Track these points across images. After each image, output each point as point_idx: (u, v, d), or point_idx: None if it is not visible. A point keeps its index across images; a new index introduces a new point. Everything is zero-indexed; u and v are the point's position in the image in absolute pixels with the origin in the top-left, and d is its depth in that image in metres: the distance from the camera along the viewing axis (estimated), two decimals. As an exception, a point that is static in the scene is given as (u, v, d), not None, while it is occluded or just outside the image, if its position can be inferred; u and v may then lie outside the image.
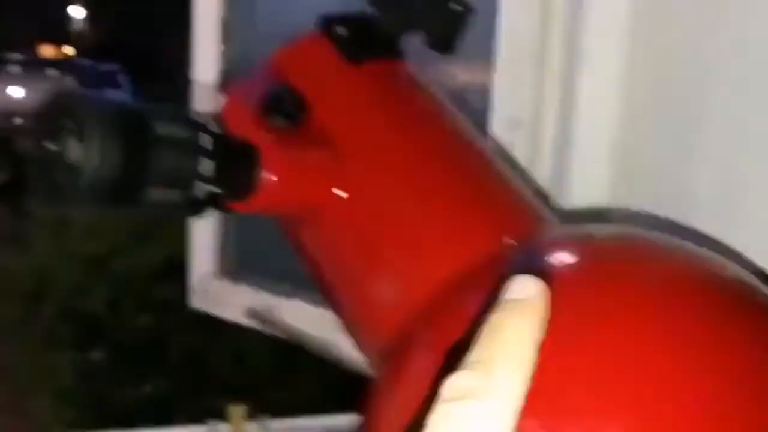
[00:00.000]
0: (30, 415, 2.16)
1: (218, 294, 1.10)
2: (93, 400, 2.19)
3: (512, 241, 0.40)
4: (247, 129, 0.40)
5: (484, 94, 0.84)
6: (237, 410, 0.74)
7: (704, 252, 0.39)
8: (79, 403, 2.22)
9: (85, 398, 2.23)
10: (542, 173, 0.80)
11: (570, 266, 0.38)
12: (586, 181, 0.75)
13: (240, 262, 1.11)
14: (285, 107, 0.40)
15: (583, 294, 0.35)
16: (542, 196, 0.72)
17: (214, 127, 0.36)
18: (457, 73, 0.89)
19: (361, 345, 0.43)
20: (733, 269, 0.38)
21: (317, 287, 0.45)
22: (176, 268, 1.21)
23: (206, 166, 0.35)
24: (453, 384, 0.21)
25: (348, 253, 0.42)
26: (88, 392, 2.25)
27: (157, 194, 0.33)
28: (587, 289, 0.35)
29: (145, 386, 2.15)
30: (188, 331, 2.16)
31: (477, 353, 0.22)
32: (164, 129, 0.33)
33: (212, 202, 0.36)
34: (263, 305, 1.03)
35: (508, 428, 0.21)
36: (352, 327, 0.44)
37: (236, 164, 0.38)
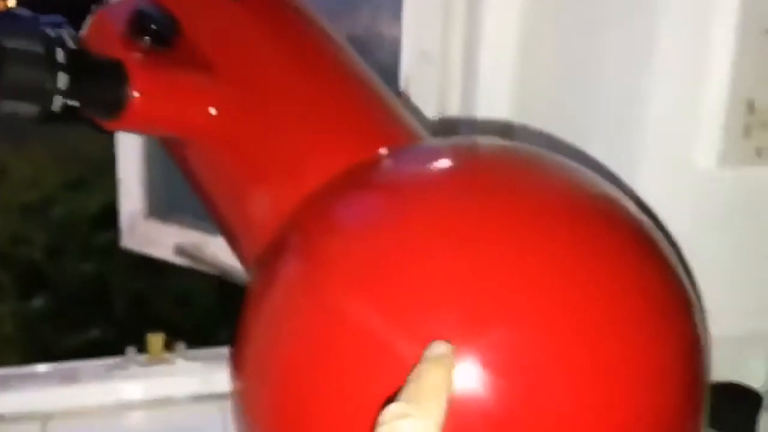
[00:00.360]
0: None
1: (148, 233, 1.11)
2: (37, 348, 2.19)
3: (383, 152, 0.42)
4: (115, 48, 0.40)
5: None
6: (155, 339, 0.76)
7: (584, 171, 0.41)
8: (23, 350, 2.22)
9: (29, 346, 2.23)
10: (451, 102, 0.82)
11: (442, 174, 0.40)
12: (490, 108, 0.78)
13: (168, 202, 1.11)
14: (155, 27, 0.41)
15: (453, 202, 0.36)
16: (420, 116, 0.74)
17: (70, 43, 0.37)
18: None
19: (242, 259, 0.45)
20: (613, 193, 0.40)
21: (201, 203, 0.47)
22: (114, 213, 1.21)
23: (63, 80, 0.36)
24: (390, 410, 0.28)
25: (225, 168, 0.44)
26: (32, 340, 2.25)
27: (11, 107, 0.34)
28: (458, 197, 0.37)
29: (91, 331, 2.15)
30: (130, 276, 2.17)
31: (407, 392, 0.29)
32: (14, 43, 0.34)
33: (76, 116, 0.37)
34: (191, 242, 1.05)
35: None
36: (233, 241, 0.46)
37: (100, 81, 0.39)
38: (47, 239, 2.35)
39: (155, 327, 0.83)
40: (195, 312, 2.07)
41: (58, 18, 0.39)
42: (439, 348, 0.31)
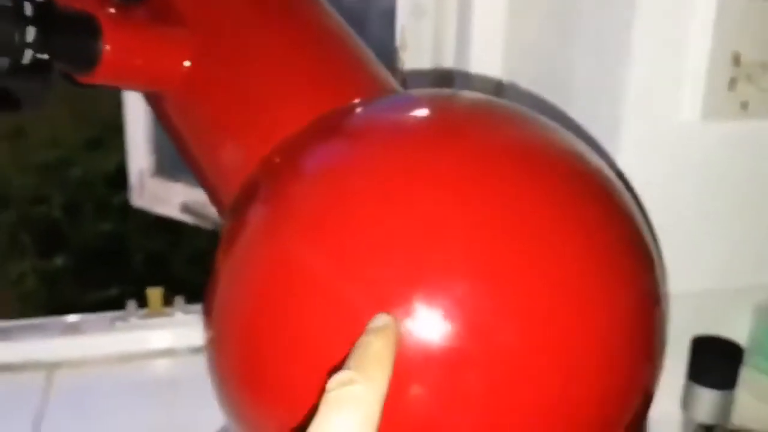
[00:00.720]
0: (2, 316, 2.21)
1: (155, 191, 1.13)
2: (58, 304, 2.24)
3: (356, 102, 0.42)
4: (87, 2, 0.41)
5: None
6: (155, 293, 0.78)
7: (559, 131, 0.41)
8: (45, 306, 2.28)
9: (51, 302, 2.28)
10: (446, 57, 0.82)
11: (410, 123, 0.40)
12: (483, 65, 0.78)
13: (174, 161, 1.13)
14: None
15: (418, 151, 0.37)
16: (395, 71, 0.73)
17: None
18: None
19: (220, 210, 0.46)
20: (585, 153, 0.40)
21: (181, 156, 0.48)
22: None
23: (32, 34, 0.37)
24: (336, 377, 0.29)
25: (200, 119, 0.45)
26: (53, 296, 2.30)
27: None
28: (423, 146, 0.37)
29: (110, 289, 2.20)
30: (146, 235, 2.20)
31: (353, 360, 0.30)
32: None
33: (47, 70, 0.38)
34: (196, 200, 1.06)
35: (376, 406, 0.29)
36: (211, 193, 0.47)
37: (72, 34, 0.39)
38: (66, 198, 2.39)
39: (171, 285, 0.85)
40: (200, 268, 2.09)
41: None
42: (383, 319, 0.32)
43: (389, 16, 0.85)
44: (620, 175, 0.41)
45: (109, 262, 2.30)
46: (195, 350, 0.80)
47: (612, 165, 0.57)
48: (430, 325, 0.32)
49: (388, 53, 0.83)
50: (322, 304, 0.34)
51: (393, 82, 0.47)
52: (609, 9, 0.61)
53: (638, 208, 0.41)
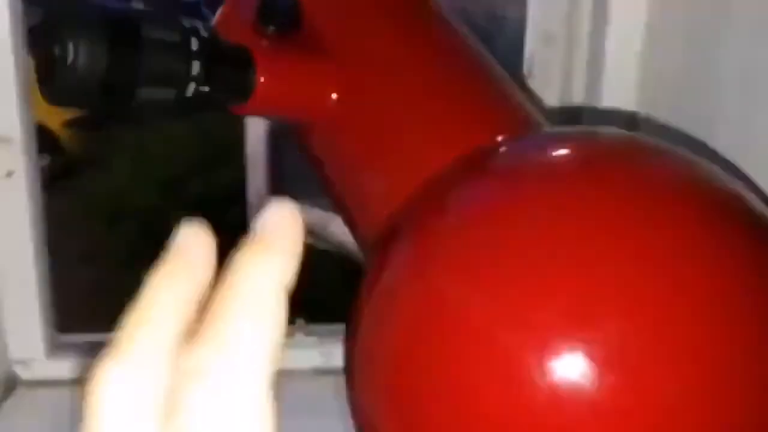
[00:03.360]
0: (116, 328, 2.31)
1: (273, 211, 1.15)
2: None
3: (501, 139, 0.42)
4: (242, 35, 0.42)
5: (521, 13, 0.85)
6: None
7: (707, 166, 0.39)
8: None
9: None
10: (575, 86, 0.81)
11: (558, 164, 0.40)
12: (615, 96, 0.76)
13: (293, 181, 1.15)
14: (279, 13, 0.42)
15: (568, 193, 0.36)
16: (539, 104, 0.73)
17: (204, 32, 0.39)
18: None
19: (358, 241, 0.47)
20: (730, 186, 0.38)
21: (322, 187, 0.48)
22: (244, 190, 1.26)
23: (197, 68, 0.38)
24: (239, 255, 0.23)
25: (344, 152, 0.45)
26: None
27: (148, 93, 0.37)
28: (573, 188, 0.36)
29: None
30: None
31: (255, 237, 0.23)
32: (152, 32, 0.37)
33: (207, 102, 0.40)
34: (314, 220, 1.08)
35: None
36: (350, 224, 0.47)
37: (229, 68, 0.41)
38: (183, 213, 2.47)
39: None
40: (319, 288, 2.12)
41: None
42: (278, 214, 0.24)
43: (518, 42, 0.84)
44: None
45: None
46: (316, 372, 0.81)
47: (762, 197, 0.54)
48: (589, 375, 0.31)
49: (514, 81, 0.82)
50: (474, 346, 0.34)
51: (535, 114, 0.46)
52: (759, 38, 0.58)
53: None
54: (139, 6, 0.37)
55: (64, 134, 3.95)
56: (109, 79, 0.35)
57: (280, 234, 0.23)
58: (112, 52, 0.35)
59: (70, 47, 0.35)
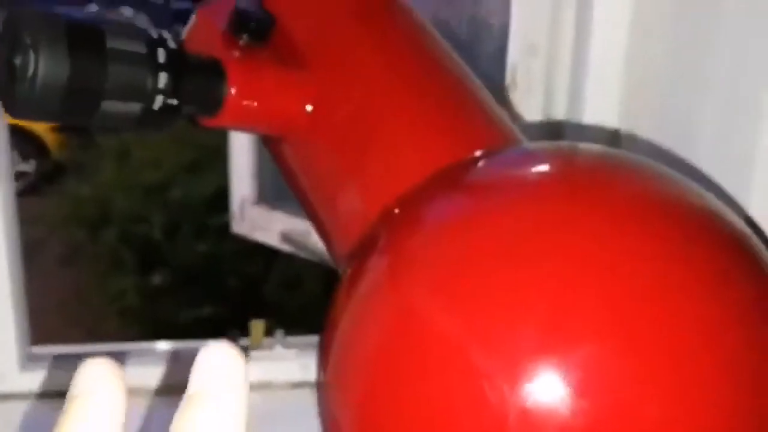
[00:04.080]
0: (99, 332, 2.30)
1: (256, 219, 1.14)
2: (155, 320, 2.31)
3: (478, 154, 0.41)
4: (213, 46, 0.41)
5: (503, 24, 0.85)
6: (257, 325, 0.78)
7: (687, 184, 0.39)
8: (143, 322, 2.35)
9: (148, 318, 2.35)
10: (558, 97, 0.80)
11: (535, 180, 0.39)
12: (598, 105, 0.75)
13: (276, 190, 1.14)
14: (252, 24, 0.41)
15: (544, 210, 0.35)
16: (518, 119, 0.72)
17: (171, 43, 0.38)
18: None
19: (332, 253, 0.46)
20: (709, 204, 0.38)
21: (295, 197, 0.47)
22: (227, 197, 1.25)
23: (164, 80, 0.37)
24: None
25: (318, 164, 0.44)
26: (151, 313, 2.37)
27: (113, 106, 0.36)
28: (550, 204, 0.36)
29: (204, 308, 2.25)
30: (242, 258, 2.24)
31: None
32: (117, 43, 0.35)
33: (175, 115, 0.38)
34: (297, 230, 1.07)
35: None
36: (324, 236, 0.46)
37: (199, 79, 0.40)
38: (165, 219, 2.47)
39: (263, 309, 0.86)
40: (301, 297, 2.12)
41: (188, 4, 0.40)
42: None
43: (500, 53, 0.84)
44: (753, 225, 0.39)
45: (205, 282, 2.35)
46: (295, 385, 0.80)
47: (742, 214, 0.54)
48: (563, 398, 0.31)
49: (496, 92, 0.81)
50: (445, 365, 0.33)
51: (513, 129, 0.46)
52: (743, 54, 0.58)
53: None
54: (129, 12, 0.36)
55: (50, 139, 3.93)
56: (71, 91, 0.34)
57: (221, 384, 0.21)
58: (75, 63, 0.34)
59: (31, 58, 0.34)
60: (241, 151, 1.14)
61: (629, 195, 0.37)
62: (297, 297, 2.16)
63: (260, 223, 1.14)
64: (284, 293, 2.22)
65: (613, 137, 0.72)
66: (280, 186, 1.14)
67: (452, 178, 0.40)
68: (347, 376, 0.37)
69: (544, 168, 0.40)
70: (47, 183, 3.64)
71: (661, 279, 0.33)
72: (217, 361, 0.21)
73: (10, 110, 0.35)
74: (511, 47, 0.82)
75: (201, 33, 0.43)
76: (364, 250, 0.40)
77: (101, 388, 0.21)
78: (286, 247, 1.11)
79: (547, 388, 0.31)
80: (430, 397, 0.33)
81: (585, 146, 0.45)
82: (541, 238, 0.34)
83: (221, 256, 2.33)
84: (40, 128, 3.83)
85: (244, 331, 0.84)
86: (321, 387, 0.40)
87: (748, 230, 0.37)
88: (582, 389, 0.31)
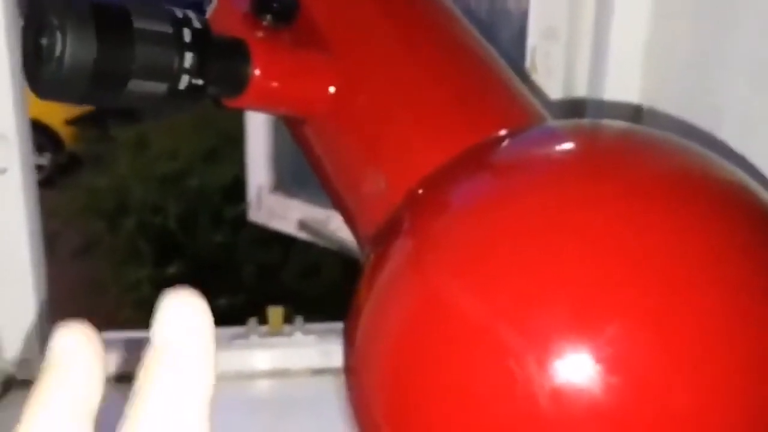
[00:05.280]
0: (116, 321, 2.31)
1: (273, 207, 1.14)
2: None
3: (503, 133, 0.41)
4: (238, 27, 0.41)
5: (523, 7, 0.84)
6: (276, 312, 0.78)
7: (713, 158, 0.38)
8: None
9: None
10: (578, 81, 0.80)
11: (561, 158, 0.38)
12: (619, 89, 0.75)
13: (293, 178, 1.14)
14: (276, 6, 0.41)
15: (571, 189, 0.35)
16: (542, 97, 0.71)
17: (197, 23, 0.38)
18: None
19: (356, 236, 0.46)
20: (737, 178, 0.37)
21: (318, 180, 0.47)
22: (244, 186, 1.26)
23: (189, 60, 0.37)
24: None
25: (342, 147, 0.44)
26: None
27: (139, 85, 0.36)
28: (576, 183, 0.35)
29: (220, 298, 2.25)
30: (258, 247, 2.25)
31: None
32: (143, 23, 0.35)
33: (200, 95, 0.38)
34: (314, 218, 1.07)
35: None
36: (348, 219, 0.46)
37: (224, 60, 0.39)
38: (181, 209, 2.48)
39: (280, 298, 0.86)
40: (319, 285, 2.12)
41: None
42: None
43: (520, 35, 0.83)
44: None
45: (221, 272, 2.36)
46: (314, 372, 0.80)
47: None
48: (593, 376, 0.30)
49: (517, 75, 0.80)
50: (474, 347, 0.33)
51: (538, 107, 0.45)
52: (767, 31, 0.57)
53: None
54: None
55: (65, 132, 3.95)
56: (98, 71, 0.34)
57: (187, 336, 0.20)
58: (102, 43, 0.33)
59: (59, 39, 0.33)
60: (258, 138, 1.14)
61: (656, 171, 0.36)
62: (314, 285, 2.16)
63: (277, 211, 1.14)
64: (302, 282, 2.22)
65: (635, 114, 0.71)
66: (297, 173, 1.15)
67: (477, 158, 0.40)
68: (375, 360, 0.37)
69: (568, 146, 0.40)
70: (63, 175, 3.66)
71: (691, 255, 0.32)
72: (181, 311, 0.20)
73: (37, 91, 0.35)
74: (531, 31, 0.81)
75: (223, 14, 0.43)
76: (388, 233, 0.40)
77: (78, 357, 0.20)
78: (303, 235, 1.11)
79: (576, 366, 0.30)
80: (460, 378, 0.33)
81: (609, 123, 0.44)
82: (567, 216, 0.34)
83: (237, 246, 2.34)
84: (55, 121, 3.85)
85: (262, 319, 0.84)
86: (348, 372, 0.40)
87: None
88: (612, 366, 0.30)
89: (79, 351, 0.20)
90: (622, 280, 0.32)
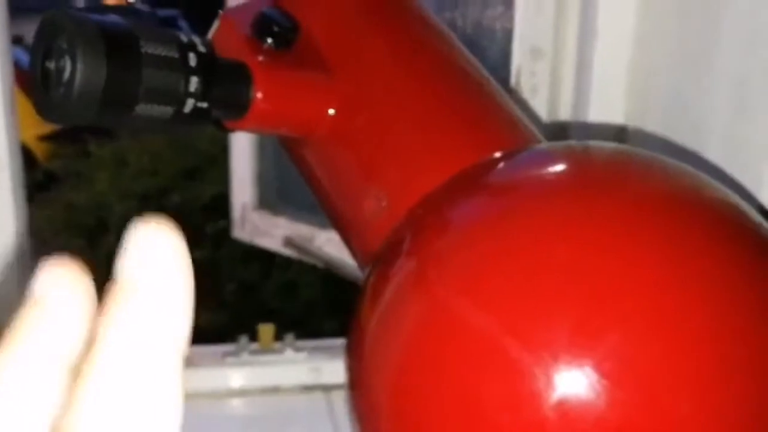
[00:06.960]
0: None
1: (257, 225, 1.14)
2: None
3: (498, 155, 0.42)
4: (239, 50, 0.42)
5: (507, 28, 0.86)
6: (266, 329, 0.78)
7: (701, 177, 0.39)
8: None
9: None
10: (563, 100, 0.81)
11: (557, 177, 0.40)
12: (604, 108, 0.76)
13: (278, 195, 1.14)
14: (277, 29, 0.42)
15: (569, 207, 0.36)
16: (534, 119, 0.73)
17: (202, 48, 0.38)
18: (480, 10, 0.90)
19: (355, 255, 0.46)
20: (725, 195, 0.38)
21: (316, 200, 0.48)
22: (226, 203, 1.25)
23: (195, 84, 0.37)
24: None
25: (341, 167, 0.45)
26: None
27: (146, 109, 0.36)
28: (573, 201, 0.36)
29: (202, 315, 2.23)
30: (240, 264, 2.24)
31: None
32: (151, 48, 0.36)
33: (204, 118, 0.39)
34: (299, 235, 1.07)
35: None
36: (347, 238, 0.47)
37: (227, 83, 0.40)
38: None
39: (262, 315, 0.86)
40: (300, 302, 2.12)
41: (173, 12, 0.40)
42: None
43: (505, 55, 0.84)
44: (766, 214, 0.40)
45: (202, 289, 2.33)
46: (304, 388, 0.80)
47: (755, 204, 0.55)
48: (599, 390, 0.31)
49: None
50: (480, 362, 0.33)
51: (532, 129, 0.46)
52: (750, 48, 0.59)
53: None
54: (117, 20, 0.36)
55: (39, 148, 3.91)
56: (107, 95, 0.34)
57: (160, 271, 0.17)
58: (112, 68, 0.34)
59: (68, 63, 0.34)
60: (241, 157, 1.14)
61: (650, 188, 0.38)
62: (295, 302, 2.16)
63: (262, 228, 1.14)
64: (282, 298, 2.22)
65: (620, 134, 0.72)
66: (281, 191, 1.15)
67: (475, 178, 0.41)
68: (381, 376, 0.38)
69: (564, 167, 0.41)
70: (39, 192, 3.62)
71: (689, 267, 0.34)
72: (154, 243, 0.17)
73: (45, 114, 0.36)
74: (516, 50, 0.82)
75: (225, 37, 0.44)
76: (390, 252, 0.40)
77: (64, 294, 0.17)
78: (288, 252, 1.11)
79: (580, 378, 0.31)
80: (466, 393, 0.33)
81: (599, 144, 0.46)
82: (568, 232, 0.35)
83: (219, 263, 2.33)
84: (27, 138, 3.81)
85: (249, 336, 0.84)
86: (352, 388, 0.40)
87: (761, 219, 0.38)
88: (615, 378, 0.31)
89: (63, 289, 0.18)
90: (624, 293, 0.33)
